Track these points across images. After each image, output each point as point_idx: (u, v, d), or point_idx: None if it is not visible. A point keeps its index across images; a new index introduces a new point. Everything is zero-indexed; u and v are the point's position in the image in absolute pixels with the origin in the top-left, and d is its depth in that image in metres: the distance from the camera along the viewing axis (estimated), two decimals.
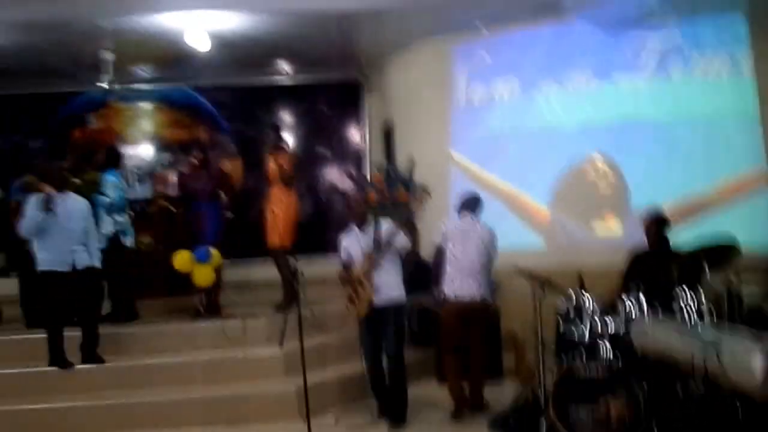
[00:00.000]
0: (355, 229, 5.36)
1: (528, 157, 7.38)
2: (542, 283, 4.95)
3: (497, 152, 7.61)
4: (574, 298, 4.99)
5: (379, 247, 5.17)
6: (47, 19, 7.09)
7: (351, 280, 5.25)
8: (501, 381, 6.17)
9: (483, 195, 5.95)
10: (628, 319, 4.62)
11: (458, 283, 5.50)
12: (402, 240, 5.23)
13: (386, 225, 5.32)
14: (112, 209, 6.55)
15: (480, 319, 5.67)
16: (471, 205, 5.71)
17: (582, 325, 4.85)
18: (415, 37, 8.12)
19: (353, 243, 5.33)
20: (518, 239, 7.24)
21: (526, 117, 7.45)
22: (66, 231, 5.70)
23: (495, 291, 6.65)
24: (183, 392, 5.68)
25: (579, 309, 4.94)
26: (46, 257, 5.69)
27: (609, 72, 6.99)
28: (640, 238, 5.53)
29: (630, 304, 4.67)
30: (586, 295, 5.02)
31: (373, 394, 5.39)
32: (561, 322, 5.03)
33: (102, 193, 6.53)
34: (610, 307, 4.83)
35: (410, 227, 5.36)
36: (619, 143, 6.95)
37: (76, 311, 5.90)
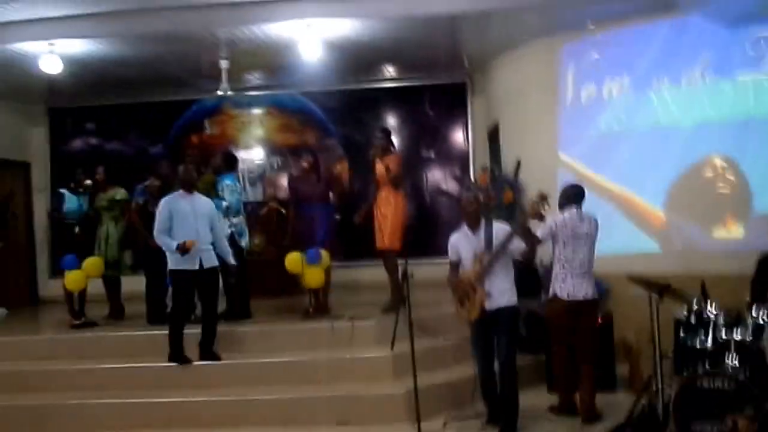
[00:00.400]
0: (467, 229, 5.18)
1: (640, 157, 7.04)
2: (661, 289, 4.71)
3: (607, 153, 7.30)
4: (696, 304, 4.75)
5: (491, 249, 5.00)
6: (168, 31, 7.28)
7: (461, 283, 5.12)
8: (614, 391, 5.89)
9: (593, 197, 5.75)
10: (757, 328, 4.31)
11: (570, 283, 5.30)
12: (516, 243, 5.02)
13: (500, 227, 5.15)
14: (229, 212, 6.73)
15: (591, 317, 5.48)
16: (575, 197, 5.46)
17: (705, 334, 4.60)
18: (522, 38, 7.94)
19: (464, 244, 5.16)
20: (631, 243, 6.95)
21: (639, 116, 7.10)
22: (194, 230, 5.86)
23: (606, 294, 6.46)
24: (292, 391, 5.75)
25: (701, 316, 4.69)
26: (176, 256, 5.85)
27: (727, 68, 6.54)
28: (763, 242, 5.18)
29: (760, 311, 4.35)
30: (709, 301, 4.79)
31: (484, 400, 5.25)
32: (681, 330, 4.80)
33: (220, 196, 6.70)
34: (735, 315, 4.54)
35: (525, 231, 5.13)
36: (739, 142, 6.48)
37: (201, 308, 6.11)
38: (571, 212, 5.38)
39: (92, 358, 6.34)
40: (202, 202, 6.08)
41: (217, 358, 6.03)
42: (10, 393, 6.03)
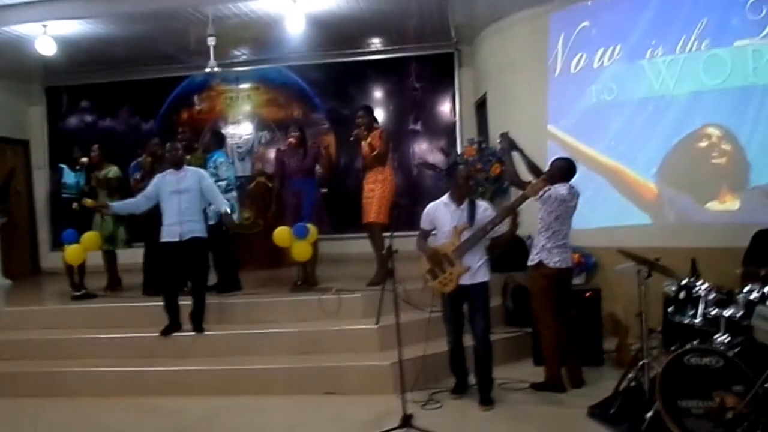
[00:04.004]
0: (449, 201, 4.89)
1: (632, 128, 6.60)
2: (650, 264, 4.36)
3: (598, 125, 6.87)
4: (685, 280, 4.40)
5: (473, 225, 4.75)
6: (156, 9, 7.22)
7: (437, 254, 4.84)
8: (602, 366, 5.59)
9: (583, 170, 5.37)
10: (748, 305, 3.95)
11: (557, 252, 5.03)
12: (499, 227, 4.78)
13: (485, 206, 4.91)
14: (226, 188, 6.67)
15: (569, 286, 5.33)
16: (570, 173, 5.14)
17: (694, 310, 4.25)
18: (511, 6, 7.53)
19: (443, 215, 4.88)
20: (622, 216, 6.57)
21: (631, 86, 6.65)
22: (176, 205, 5.87)
23: (594, 267, 6.15)
24: (281, 361, 5.66)
25: (690, 292, 4.34)
26: (163, 229, 5.92)
27: (725, 34, 6.06)
28: (759, 215, 4.79)
29: (752, 287, 3.99)
30: (699, 277, 4.44)
31: (452, 371, 5.13)
32: (670, 305, 4.46)
33: (213, 173, 6.61)
34: (726, 291, 4.18)
35: (514, 214, 4.87)
36: (737, 112, 5.99)
37: (185, 280, 6.09)
38: (566, 187, 5.06)
39: (92, 328, 6.39)
40: (187, 176, 5.99)
41: (201, 330, 5.97)
42: (15, 360, 6.09)
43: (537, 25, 7.40)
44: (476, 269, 4.80)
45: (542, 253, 5.08)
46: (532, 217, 5.18)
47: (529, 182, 4.98)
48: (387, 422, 4.41)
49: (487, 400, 4.85)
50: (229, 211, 6.00)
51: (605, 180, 6.72)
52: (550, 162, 5.34)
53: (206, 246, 6.09)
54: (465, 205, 4.85)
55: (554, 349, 5.10)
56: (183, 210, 5.87)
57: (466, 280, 4.79)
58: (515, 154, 5.46)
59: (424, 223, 4.99)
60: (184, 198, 5.88)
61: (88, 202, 6.76)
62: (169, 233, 5.87)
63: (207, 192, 5.98)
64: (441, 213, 4.91)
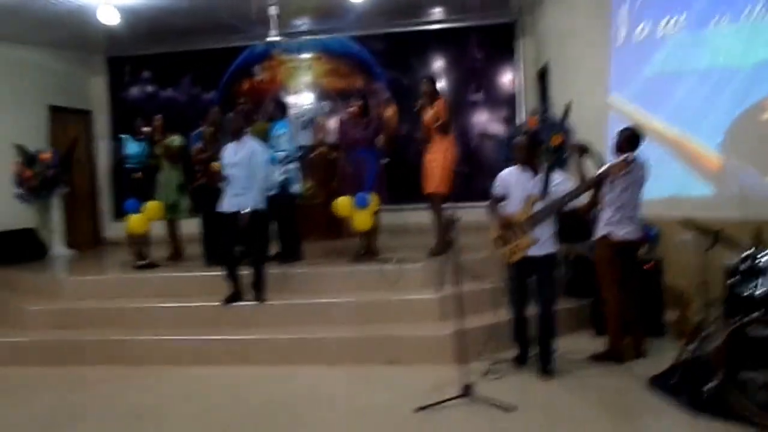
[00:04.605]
0: (522, 169, 4.96)
1: (696, 99, 6.57)
2: (714, 235, 4.47)
3: (661, 94, 6.85)
4: (748, 251, 4.50)
5: (546, 196, 4.81)
6: None
7: (509, 222, 4.94)
8: (662, 337, 5.69)
9: (646, 142, 5.44)
10: None
11: (625, 224, 5.11)
12: (574, 202, 4.83)
13: (562, 179, 4.92)
14: (286, 160, 6.78)
15: (636, 257, 5.39)
16: (638, 142, 5.20)
17: (756, 282, 4.35)
18: None
19: (517, 182, 4.94)
20: (685, 187, 6.58)
21: (695, 55, 6.59)
22: (234, 177, 6.01)
23: (657, 238, 6.20)
24: (342, 331, 5.81)
25: (753, 264, 4.44)
26: (222, 200, 6.07)
27: None
28: None
29: None
30: (763, 248, 4.52)
31: (516, 341, 5.20)
32: (732, 277, 4.56)
33: (273, 144, 6.72)
34: None
35: (595, 184, 4.97)
36: None
37: (244, 250, 6.18)
38: (632, 158, 5.12)
39: (154, 297, 6.56)
40: (244, 149, 6.08)
41: (261, 300, 6.13)
42: (79, 329, 6.33)
43: None
44: (545, 241, 4.87)
45: (609, 226, 5.15)
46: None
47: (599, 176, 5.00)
48: (447, 392, 4.52)
49: (548, 371, 4.95)
50: (249, 210, 5.97)
51: (668, 150, 6.73)
52: (616, 132, 5.40)
53: (262, 217, 6.17)
54: (540, 174, 4.89)
55: (618, 318, 5.18)
56: (234, 181, 6.02)
57: (534, 251, 4.86)
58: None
59: (497, 188, 5.05)
60: (236, 169, 6.01)
61: (216, 166, 6.46)
62: (227, 204, 6.03)
63: (255, 168, 6.03)
64: (515, 180, 4.97)
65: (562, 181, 4.89)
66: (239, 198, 5.99)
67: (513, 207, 4.96)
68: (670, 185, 6.52)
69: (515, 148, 5.06)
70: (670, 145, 6.76)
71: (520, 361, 5.19)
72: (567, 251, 6.48)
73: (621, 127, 5.50)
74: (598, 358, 5.28)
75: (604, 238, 5.19)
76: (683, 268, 5.51)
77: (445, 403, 4.43)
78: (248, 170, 6.02)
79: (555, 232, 4.97)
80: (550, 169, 4.92)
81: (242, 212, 5.94)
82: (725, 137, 6.39)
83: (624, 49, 7.22)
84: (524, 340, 5.17)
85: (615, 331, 5.23)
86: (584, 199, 4.96)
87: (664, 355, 5.06)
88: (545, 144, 7.16)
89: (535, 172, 4.93)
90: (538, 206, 4.83)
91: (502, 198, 5.03)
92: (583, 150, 5.26)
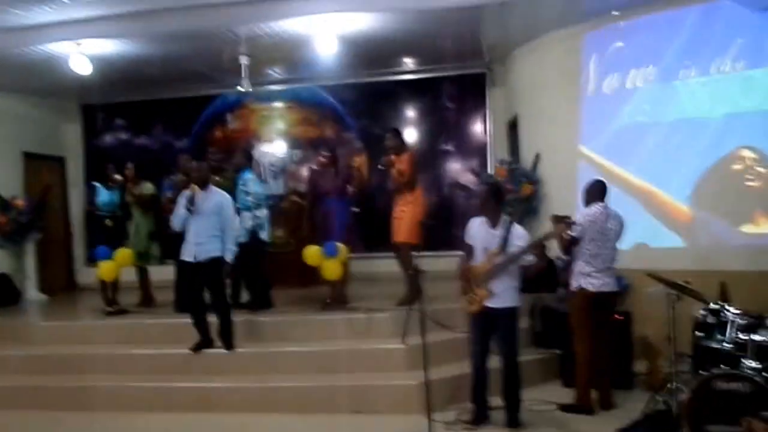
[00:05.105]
0: (486, 221, 4.96)
1: (666, 150, 6.70)
2: (679, 288, 4.48)
3: (631, 146, 6.97)
4: (714, 304, 4.51)
5: (504, 251, 4.80)
6: (189, 29, 7.37)
7: (468, 273, 4.94)
8: (630, 389, 5.67)
9: (615, 191, 5.51)
10: None
11: (596, 276, 5.14)
12: (529, 257, 4.82)
13: (520, 233, 4.90)
14: (255, 205, 6.80)
15: (612, 308, 5.41)
16: (600, 194, 5.28)
17: (723, 334, 4.37)
18: (544, 26, 7.67)
19: (480, 235, 4.94)
20: (654, 238, 6.66)
21: (664, 107, 6.75)
22: (197, 225, 5.98)
23: (626, 290, 6.21)
24: (309, 380, 5.80)
25: (719, 316, 4.46)
26: (183, 248, 6.06)
27: (759, 56, 6.14)
28: None
29: None
30: (729, 303, 4.54)
31: (472, 397, 5.06)
32: (699, 329, 4.57)
33: (242, 191, 6.78)
34: (756, 316, 4.29)
35: (541, 249, 4.98)
36: None
37: (207, 298, 6.14)
38: (597, 208, 5.22)
39: (124, 343, 6.59)
40: (210, 197, 6.07)
41: (230, 349, 6.10)
42: (49, 374, 6.34)
43: (570, 45, 7.54)
44: (502, 293, 4.83)
45: (581, 278, 5.19)
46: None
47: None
48: None
49: (514, 423, 4.91)
50: (230, 258, 6.01)
51: (638, 202, 6.81)
52: (585, 185, 5.47)
53: (222, 266, 6.07)
54: (501, 228, 4.88)
55: (588, 369, 5.17)
56: (200, 230, 5.98)
57: (492, 303, 4.83)
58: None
59: (467, 239, 5.04)
60: (202, 218, 5.97)
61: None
62: (187, 252, 6.01)
63: (224, 221, 6.02)
64: (477, 231, 4.98)
65: (519, 237, 4.86)
66: (202, 246, 5.97)
67: (476, 258, 4.96)
68: (639, 236, 6.58)
69: (477, 199, 5.10)
70: (640, 196, 6.84)
71: (477, 421, 5.03)
72: (535, 302, 6.48)
73: (589, 179, 5.56)
74: (567, 409, 5.25)
75: (581, 290, 5.21)
76: (652, 319, 5.54)
77: None
78: (214, 220, 6.00)
79: (515, 286, 4.93)
80: (510, 223, 4.91)
81: (227, 262, 5.99)
82: (694, 189, 6.50)
83: (593, 100, 7.37)
84: (481, 396, 5.05)
85: (584, 383, 5.22)
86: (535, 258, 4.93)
87: (632, 407, 5.05)
88: (515, 193, 7.22)
89: (495, 224, 4.92)
90: (498, 261, 4.81)
91: (472, 247, 5.02)
92: (559, 220, 5.24)
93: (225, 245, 6.01)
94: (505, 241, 4.81)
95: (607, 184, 5.42)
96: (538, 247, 4.94)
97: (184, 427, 5.37)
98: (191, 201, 5.94)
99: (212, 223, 6.00)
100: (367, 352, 5.94)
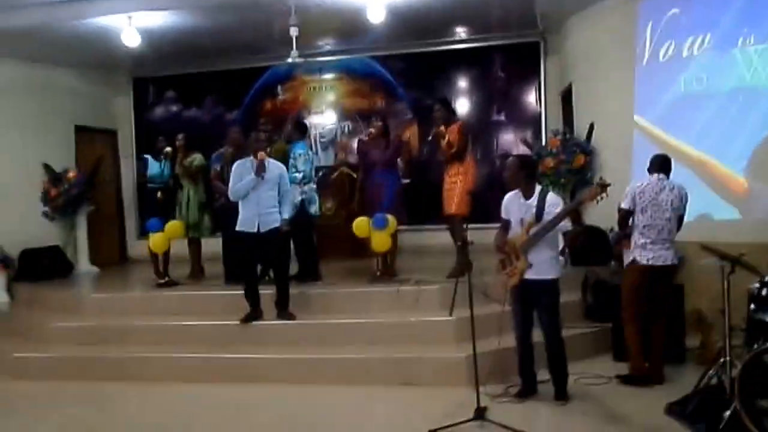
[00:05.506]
0: (520, 193, 4.98)
1: (722, 120, 6.60)
2: (732, 260, 4.48)
3: (686, 116, 6.89)
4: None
5: (540, 221, 4.80)
6: (239, 0, 7.49)
7: (506, 247, 4.97)
8: (682, 363, 5.67)
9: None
10: None
11: (650, 249, 5.18)
12: (565, 223, 4.79)
13: (554, 201, 4.89)
14: (302, 180, 6.90)
15: (668, 283, 5.38)
16: (658, 165, 5.31)
17: None
18: None
19: (514, 207, 4.98)
20: (709, 210, 6.58)
21: (721, 76, 6.63)
22: (261, 195, 6.10)
23: (681, 262, 6.20)
24: (358, 351, 5.88)
25: None
26: (242, 219, 6.16)
27: None
28: None
29: None
30: None
31: (519, 372, 5.12)
32: (753, 303, 4.56)
33: (292, 165, 6.86)
34: None
35: (574, 211, 4.95)
36: None
37: (266, 269, 6.29)
38: (651, 180, 5.26)
39: (174, 315, 6.72)
40: (271, 168, 6.19)
41: (290, 318, 6.24)
42: (99, 345, 6.52)
43: (625, 12, 7.45)
44: (541, 265, 4.85)
45: (635, 251, 5.23)
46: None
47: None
48: (460, 414, 4.54)
49: (561, 395, 4.96)
50: (287, 217, 6.21)
51: (692, 173, 6.74)
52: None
53: (287, 235, 6.32)
54: (534, 198, 4.89)
55: (635, 343, 5.23)
56: (264, 200, 6.10)
57: (531, 275, 4.86)
58: None
59: (503, 214, 5.08)
60: (264, 188, 6.10)
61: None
62: (248, 223, 6.10)
63: (283, 191, 6.20)
64: (512, 205, 5.01)
65: (553, 205, 4.85)
66: (267, 217, 6.12)
67: (513, 231, 5.00)
68: (694, 208, 6.45)
69: (507, 172, 5.08)
70: (695, 167, 6.76)
71: (525, 393, 5.10)
72: (586, 274, 6.51)
73: (646, 152, 5.55)
74: (626, 379, 5.29)
75: (633, 262, 5.27)
76: (706, 292, 5.52)
77: (458, 426, 4.47)
78: (276, 190, 6.16)
79: (554, 257, 4.96)
80: (545, 192, 4.93)
81: (283, 228, 6.13)
82: (751, 160, 6.40)
83: (649, 69, 7.28)
84: (528, 371, 5.11)
85: (633, 353, 5.27)
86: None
87: (683, 382, 5.06)
88: (568, 164, 7.20)
89: (529, 195, 4.94)
90: (534, 230, 4.83)
91: (508, 222, 5.07)
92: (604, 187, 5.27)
93: (284, 211, 6.18)
94: (539, 211, 4.83)
95: (667, 157, 5.41)
96: (573, 212, 4.93)
97: (232, 398, 5.48)
98: (261, 168, 6.07)
99: (274, 193, 6.16)
100: (415, 325, 5.99)
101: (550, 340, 4.98)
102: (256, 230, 6.09)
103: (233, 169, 6.25)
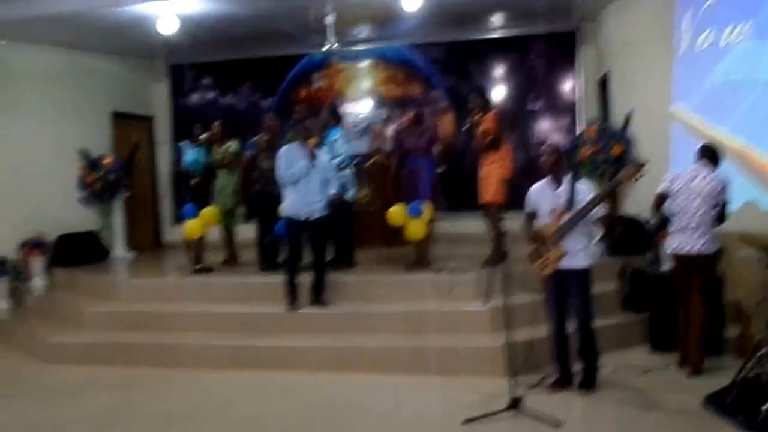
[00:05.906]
0: (550, 182, 5.01)
1: (762, 109, 6.51)
2: None
3: (725, 105, 6.80)
4: None
5: (572, 208, 4.83)
6: None
7: (538, 236, 5.00)
8: (721, 355, 5.66)
9: None
10: None
11: (678, 236, 5.25)
12: (598, 209, 4.82)
13: (586, 188, 4.93)
14: (340, 167, 6.93)
15: (700, 273, 5.35)
16: (701, 154, 5.36)
17: None
18: None
19: (544, 196, 4.99)
20: (749, 200, 6.55)
21: (761, 65, 6.56)
22: (312, 183, 6.22)
23: (720, 253, 6.19)
24: (392, 340, 5.94)
25: None
26: (290, 204, 6.25)
27: None
28: None
29: None
30: None
31: (554, 361, 5.13)
32: None
33: (329, 151, 6.88)
34: None
35: (608, 195, 5.01)
36: None
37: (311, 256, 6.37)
38: (690, 167, 5.32)
39: (209, 301, 6.81)
40: (318, 156, 6.31)
41: (324, 304, 6.33)
42: (134, 331, 6.63)
43: (663, 0, 7.39)
44: (575, 253, 4.87)
45: (669, 237, 5.35)
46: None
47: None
48: (496, 404, 4.59)
49: (586, 384, 4.99)
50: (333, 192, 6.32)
51: (732, 162, 6.69)
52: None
53: (328, 223, 6.42)
54: (564, 186, 4.92)
55: (679, 329, 5.35)
56: (315, 188, 6.24)
57: (565, 263, 4.88)
58: None
59: (527, 205, 5.12)
60: (317, 175, 6.23)
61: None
62: (298, 210, 6.21)
63: (329, 174, 6.33)
64: (541, 194, 5.03)
65: (585, 192, 4.89)
66: (317, 204, 6.26)
67: (543, 220, 5.02)
68: (734, 198, 6.47)
69: (543, 156, 5.09)
70: (734, 156, 6.68)
71: (561, 383, 5.10)
72: (623, 264, 6.52)
73: (684, 141, 5.55)
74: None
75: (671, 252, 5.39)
76: (745, 283, 5.51)
77: (493, 416, 4.52)
78: (325, 176, 6.30)
79: (587, 245, 4.98)
80: (575, 179, 4.95)
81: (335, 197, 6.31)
82: None
83: (687, 57, 7.21)
84: (564, 360, 5.11)
85: (682, 343, 5.38)
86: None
87: (722, 373, 5.06)
88: (605, 153, 7.18)
89: (560, 183, 4.97)
90: (566, 218, 4.85)
91: (534, 213, 5.08)
92: (640, 166, 5.28)
93: (324, 198, 6.29)
94: (570, 198, 4.85)
95: (711, 147, 5.45)
96: (607, 196, 4.96)
97: (267, 385, 5.54)
98: (314, 155, 6.18)
99: (321, 182, 6.27)
100: (450, 313, 6.01)
101: (582, 328, 4.97)
102: (306, 218, 6.20)
103: (280, 154, 6.31)
